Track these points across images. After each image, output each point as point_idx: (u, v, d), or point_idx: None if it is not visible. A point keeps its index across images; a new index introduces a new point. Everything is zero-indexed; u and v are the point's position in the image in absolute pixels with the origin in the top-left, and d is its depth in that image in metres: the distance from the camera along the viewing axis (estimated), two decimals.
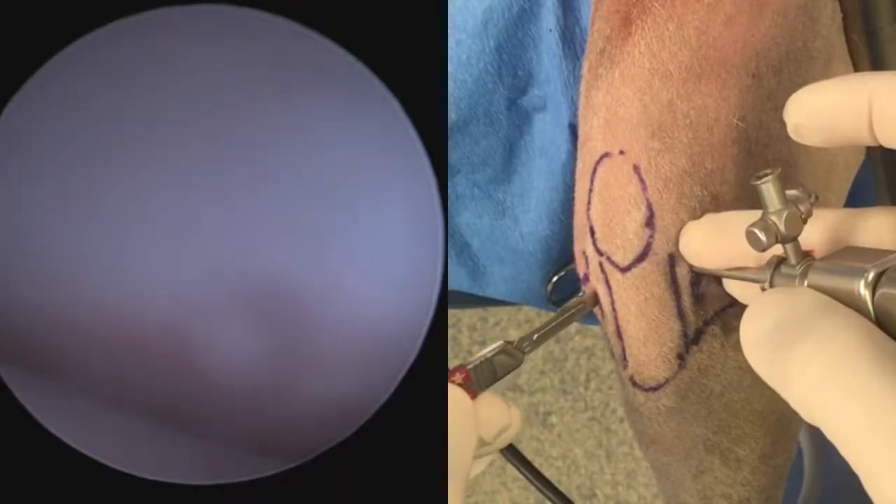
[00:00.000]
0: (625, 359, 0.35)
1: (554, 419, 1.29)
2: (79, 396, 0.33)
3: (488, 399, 0.32)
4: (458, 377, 0.31)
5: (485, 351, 0.32)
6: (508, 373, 0.32)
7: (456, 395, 0.30)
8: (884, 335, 0.22)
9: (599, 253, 0.33)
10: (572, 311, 0.34)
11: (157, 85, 0.32)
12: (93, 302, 0.32)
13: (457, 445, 0.29)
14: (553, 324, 0.34)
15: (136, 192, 0.32)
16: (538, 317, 1.26)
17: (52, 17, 0.30)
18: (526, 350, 0.33)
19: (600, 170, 0.32)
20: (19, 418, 0.31)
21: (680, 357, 0.34)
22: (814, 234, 0.27)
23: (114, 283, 0.32)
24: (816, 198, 0.27)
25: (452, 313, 1.26)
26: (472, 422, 0.30)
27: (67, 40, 0.31)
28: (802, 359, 0.22)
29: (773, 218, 0.26)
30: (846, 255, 0.25)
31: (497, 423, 0.32)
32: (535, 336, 0.33)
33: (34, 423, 0.31)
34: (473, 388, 0.31)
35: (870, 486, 0.20)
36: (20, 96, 0.31)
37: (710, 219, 0.31)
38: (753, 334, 0.24)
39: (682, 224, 0.32)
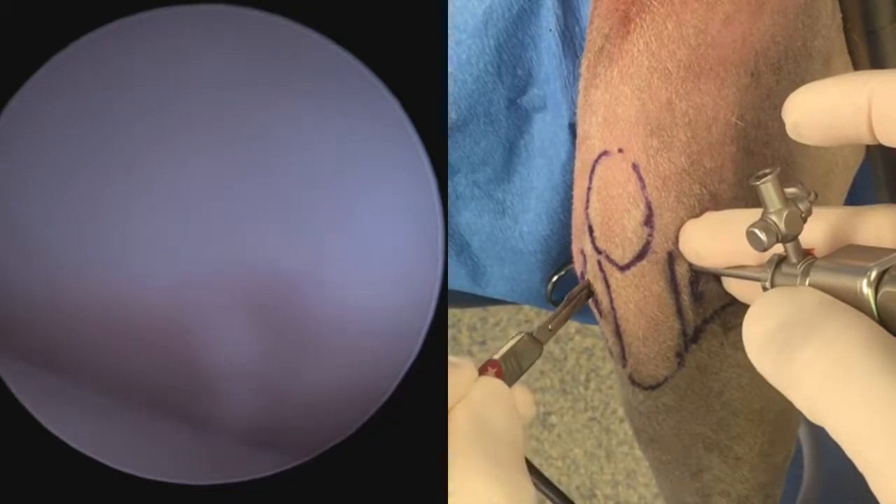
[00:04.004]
0: (624, 357, 0.35)
1: (554, 419, 1.29)
2: (78, 394, 0.33)
3: (522, 392, 0.31)
4: (491, 371, 0.30)
5: (508, 344, 0.32)
6: (531, 364, 0.32)
7: (497, 388, 0.30)
8: (887, 334, 0.21)
9: (598, 251, 0.33)
10: (579, 295, 0.34)
11: (157, 85, 0.32)
12: (92, 298, 0.32)
13: (509, 439, 0.28)
14: (563, 310, 0.34)
15: (135, 190, 0.32)
16: (538, 317, 1.26)
17: (52, 17, 0.30)
18: (544, 340, 0.33)
19: (599, 168, 0.32)
20: (19, 418, 0.31)
21: (679, 355, 0.34)
22: (814, 233, 0.27)
23: (113, 279, 0.32)
24: (815, 196, 0.26)
25: (452, 313, 1.26)
26: (516, 412, 0.29)
27: (67, 40, 0.31)
28: (807, 359, 0.22)
29: (774, 217, 0.26)
30: (847, 254, 0.25)
31: (527, 417, 0.31)
32: (550, 326, 0.33)
33: (34, 422, 0.31)
34: (505, 381, 0.31)
35: (875, 485, 0.20)
36: (20, 96, 0.31)
37: (710, 217, 0.31)
38: (757, 334, 0.24)
39: (681, 222, 0.32)
